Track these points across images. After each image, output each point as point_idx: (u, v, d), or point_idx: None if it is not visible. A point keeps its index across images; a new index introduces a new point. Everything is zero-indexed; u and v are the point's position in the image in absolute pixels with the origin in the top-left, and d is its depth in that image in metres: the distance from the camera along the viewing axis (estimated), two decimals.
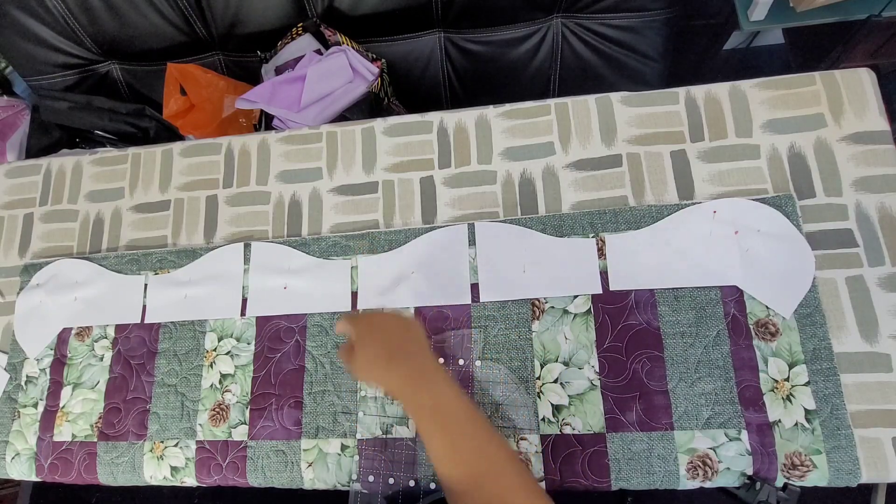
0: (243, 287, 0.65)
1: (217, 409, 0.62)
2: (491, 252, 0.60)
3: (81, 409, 0.65)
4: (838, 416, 0.51)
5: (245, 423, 0.60)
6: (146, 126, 1.02)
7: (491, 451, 0.42)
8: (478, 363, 0.58)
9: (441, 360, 0.58)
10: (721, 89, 0.62)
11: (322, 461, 0.58)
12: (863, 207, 0.56)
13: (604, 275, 0.58)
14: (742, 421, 0.52)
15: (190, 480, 0.60)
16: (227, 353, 0.63)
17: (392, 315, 0.51)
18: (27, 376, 0.68)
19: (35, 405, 0.66)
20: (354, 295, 0.62)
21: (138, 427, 0.63)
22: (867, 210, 0.56)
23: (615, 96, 0.64)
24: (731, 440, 0.52)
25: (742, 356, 0.54)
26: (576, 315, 0.57)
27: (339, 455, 0.58)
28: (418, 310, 0.60)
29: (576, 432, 0.54)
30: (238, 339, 0.63)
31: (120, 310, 0.67)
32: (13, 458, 0.65)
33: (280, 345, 0.62)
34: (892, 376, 0.52)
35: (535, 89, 1.07)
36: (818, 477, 0.50)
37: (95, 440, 0.63)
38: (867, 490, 0.55)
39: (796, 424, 0.51)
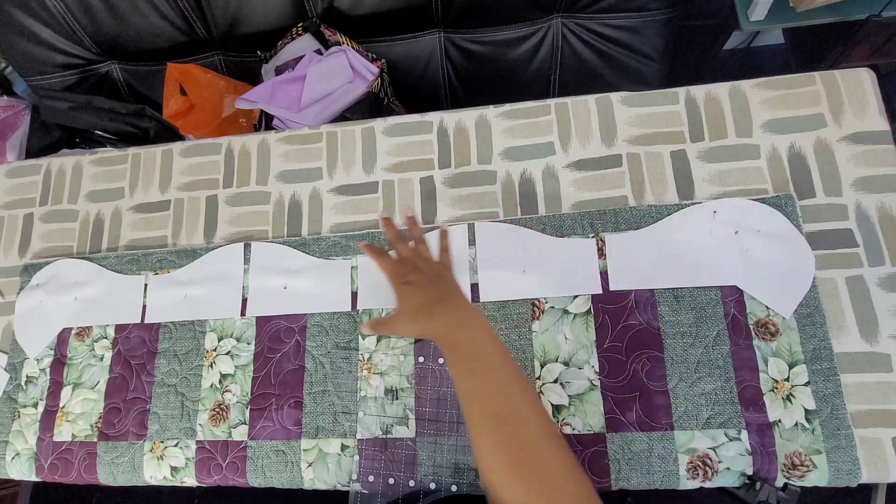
0: (243, 287, 0.65)
1: (217, 409, 0.62)
2: (491, 252, 0.60)
3: (81, 409, 0.65)
4: (838, 416, 0.51)
5: (245, 423, 0.60)
6: (146, 126, 1.02)
7: (515, 395, 0.43)
8: None
9: (441, 361, 0.58)
10: (721, 89, 0.62)
11: (322, 461, 0.58)
12: (863, 207, 0.56)
13: (604, 275, 0.58)
14: (742, 421, 0.52)
15: (190, 480, 0.60)
16: (227, 353, 0.63)
17: (425, 271, 0.52)
18: (27, 376, 0.68)
19: (35, 405, 0.66)
20: (354, 295, 0.62)
21: (138, 427, 0.63)
22: (867, 210, 0.56)
23: (615, 96, 0.64)
24: (731, 440, 0.52)
25: (742, 356, 0.54)
26: (576, 315, 0.57)
27: (339, 455, 0.58)
28: None
29: (576, 432, 0.54)
30: (238, 339, 0.63)
31: (120, 310, 0.67)
32: (13, 458, 0.65)
33: (280, 345, 0.62)
34: (892, 376, 0.52)
35: (535, 89, 1.07)
36: (818, 477, 0.50)
37: (95, 440, 0.63)
38: (867, 490, 0.55)
39: (796, 424, 0.51)
